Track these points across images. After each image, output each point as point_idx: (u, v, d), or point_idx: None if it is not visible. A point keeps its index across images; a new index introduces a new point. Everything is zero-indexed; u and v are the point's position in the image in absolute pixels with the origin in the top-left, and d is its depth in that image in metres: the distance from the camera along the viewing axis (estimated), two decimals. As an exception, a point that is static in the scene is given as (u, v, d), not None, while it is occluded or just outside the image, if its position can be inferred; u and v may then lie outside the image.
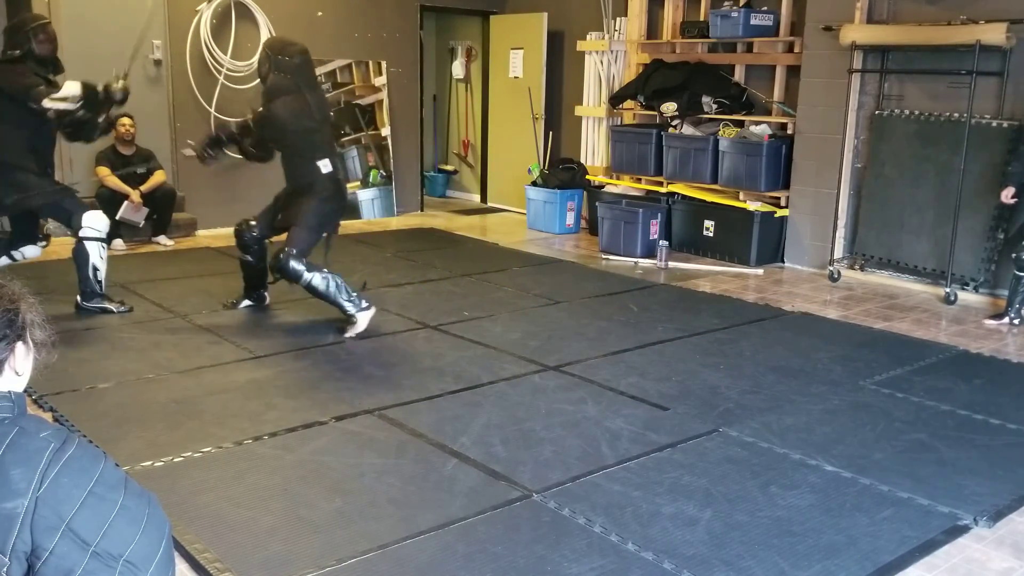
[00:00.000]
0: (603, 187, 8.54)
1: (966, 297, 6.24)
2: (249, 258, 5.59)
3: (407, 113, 9.59)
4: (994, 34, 5.92)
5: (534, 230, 8.88)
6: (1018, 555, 2.92)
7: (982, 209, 6.18)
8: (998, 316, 5.72)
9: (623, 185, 8.41)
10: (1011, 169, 5.80)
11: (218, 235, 8.16)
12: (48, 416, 3.81)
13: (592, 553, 2.82)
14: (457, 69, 10.84)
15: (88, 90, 5.23)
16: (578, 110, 9.05)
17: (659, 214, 7.76)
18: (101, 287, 5.48)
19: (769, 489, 3.30)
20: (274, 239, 5.50)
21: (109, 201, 7.30)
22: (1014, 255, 5.59)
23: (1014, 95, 6.10)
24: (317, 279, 5.09)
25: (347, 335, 5.09)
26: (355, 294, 5.17)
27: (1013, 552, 2.94)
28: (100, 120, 5.49)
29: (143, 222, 7.48)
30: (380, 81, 9.28)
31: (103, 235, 5.45)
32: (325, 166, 5.29)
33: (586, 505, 3.13)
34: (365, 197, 9.27)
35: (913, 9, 6.54)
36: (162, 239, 7.69)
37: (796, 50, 7.32)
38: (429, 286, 6.40)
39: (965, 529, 3.06)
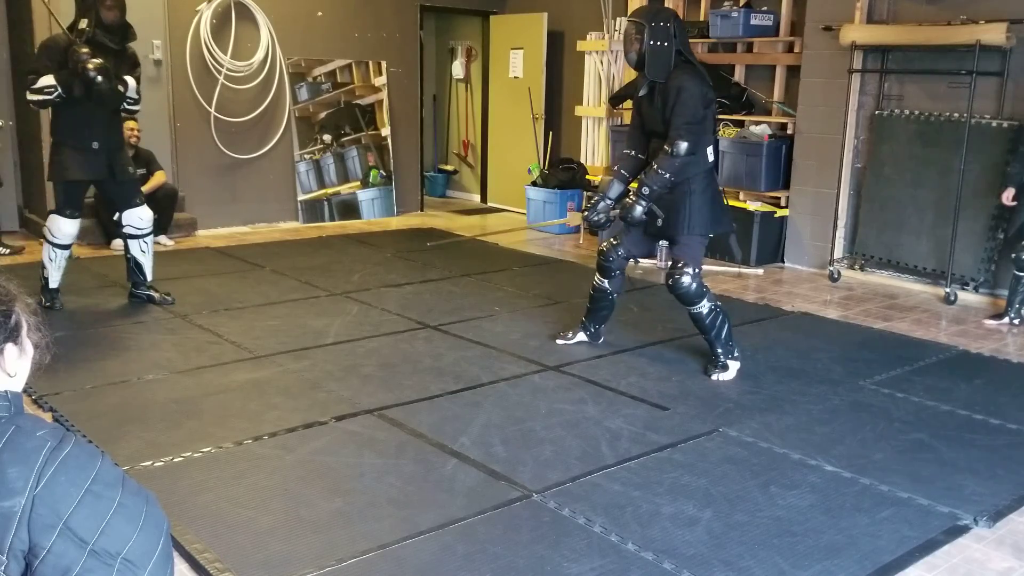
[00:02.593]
0: (603, 187, 8.53)
1: (966, 297, 6.23)
2: (606, 284, 4.84)
3: (407, 113, 9.59)
4: (994, 34, 5.92)
5: (531, 227, 8.88)
6: (1018, 555, 2.92)
7: (982, 209, 6.18)
8: (998, 316, 5.72)
9: (623, 185, 8.39)
10: (1011, 170, 5.80)
11: (218, 235, 8.17)
12: (48, 416, 3.81)
13: (592, 553, 2.82)
14: (457, 69, 10.84)
15: (65, 81, 5.06)
16: (578, 110, 9.05)
17: (659, 214, 7.74)
18: (49, 282, 5.48)
19: (769, 489, 3.30)
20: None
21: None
22: (1014, 255, 5.58)
23: (1014, 95, 6.10)
24: (706, 305, 4.47)
25: (714, 375, 4.53)
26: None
27: (1013, 552, 2.93)
28: (109, 87, 5.16)
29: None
30: (380, 81, 9.28)
31: (143, 231, 5.55)
32: (711, 155, 4.51)
33: (586, 505, 3.13)
34: (365, 197, 9.27)
35: (913, 9, 6.54)
36: (162, 239, 7.68)
37: (796, 50, 7.31)
38: (429, 286, 6.40)
39: (965, 529, 3.06)
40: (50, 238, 5.43)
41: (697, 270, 4.47)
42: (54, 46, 5.17)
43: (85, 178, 5.41)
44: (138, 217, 5.57)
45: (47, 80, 5.10)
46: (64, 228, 5.42)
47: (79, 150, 5.28)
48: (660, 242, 5.13)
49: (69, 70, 5.05)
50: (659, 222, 4.48)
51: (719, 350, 4.56)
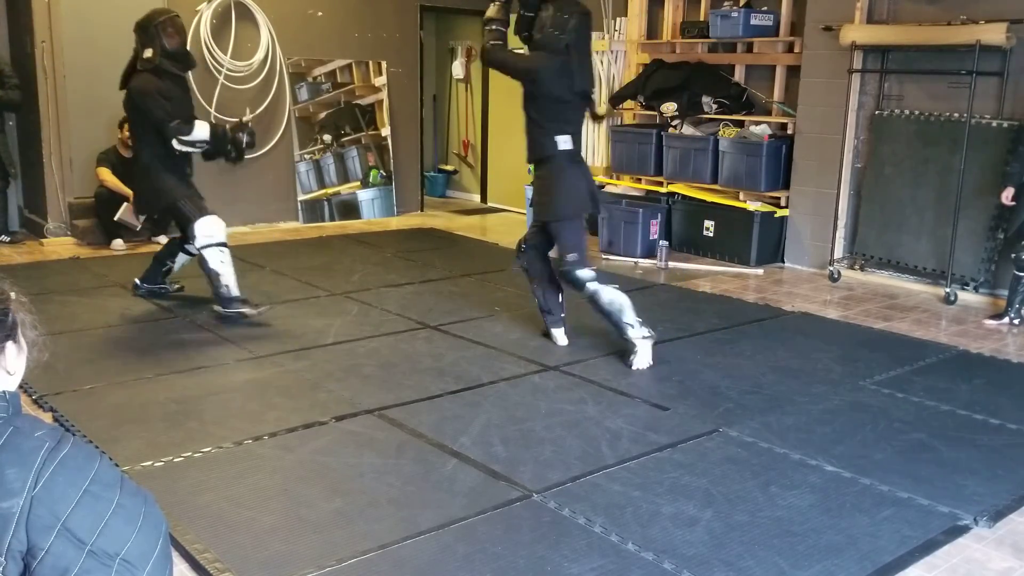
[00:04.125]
0: (603, 187, 8.52)
1: (966, 297, 6.23)
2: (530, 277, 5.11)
3: (407, 113, 9.59)
4: (994, 34, 5.92)
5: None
6: (1018, 555, 2.92)
7: (982, 209, 6.18)
8: (998, 316, 5.72)
9: (623, 185, 8.40)
10: (1010, 169, 5.80)
11: (218, 235, 8.15)
12: (48, 416, 3.81)
13: (592, 553, 2.82)
14: (457, 69, 10.84)
15: (216, 133, 5.35)
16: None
17: (659, 214, 7.76)
18: (230, 291, 5.28)
19: (769, 489, 3.29)
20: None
21: (108, 202, 7.30)
22: (1014, 255, 5.58)
23: (1014, 95, 6.09)
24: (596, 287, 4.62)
25: (631, 363, 4.62)
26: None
27: (1013, 552, 2.93)
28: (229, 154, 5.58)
29: (140, 225, 7.47)
30: (380, 81, 9.28)
31: (216, 241, 5.30)
32: (566, 143, 4.67)
33: (586, 505, 3.12)
34: (365, 197, 9.27)
35: (913, 9, 6.54)
36: (162, 239, 7.67)
37: (796, 50, 7.31)
38: (429, 286, 6.40)
39: (965, 529, 3.06)
40: (211, 241, 5.28)
41: (579, 256, 4.58)
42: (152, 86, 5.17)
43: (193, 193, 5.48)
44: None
45: (202, 132, 5.28)
46: (217, 224, 5.35)
47: (178, 176, 5.41)
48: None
49: (222, 134, 5.41)
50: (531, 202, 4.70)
51: (627, 334, 4.62)
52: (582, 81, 4.69)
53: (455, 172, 11.22)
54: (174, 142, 5.21)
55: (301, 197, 8.88)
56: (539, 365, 4.67)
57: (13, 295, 1.42)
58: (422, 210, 9.88)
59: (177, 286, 5.83)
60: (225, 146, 5.47)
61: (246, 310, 5.31)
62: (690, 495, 3.23)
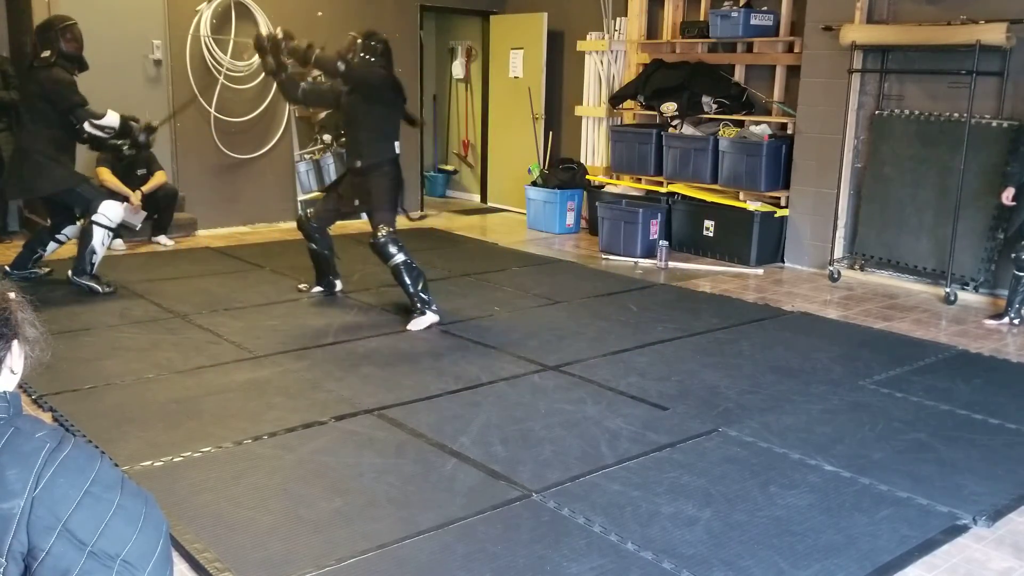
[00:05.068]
0: (603, 187, 8.54)
1: (966, 297, 6.23)
2: (314, 246, 5.88)
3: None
4: (994, 34, 5.92)
5: (534, 230, 8.88)
6: (1018, 555, 2.92)
7: (982, 209, 6.18)
8: (998, 316, 5.72)
9: (623, 185, 8.41)
10: (1010, 169, 5.80)
11: (218, 235, 8.16)
12: (48, 416, 3.81)
13: (592, 553, 2.82)
14: (457, 69, 10.84)
15: (124, 124, 5.85)
16: (578, 110, 9.05)
17: (659, 214, 7.76)
18: (92, 268, 5.84)
19: (768, 489, 3.30)
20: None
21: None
22: (1014, 255, 5.59)
23: (1014, 95, 6.10)
24: (401, 258, 5.37)
25: (413, 323, 5.33)
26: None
27: (1013, 552, 2.93)
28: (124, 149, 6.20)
29: (140, 224, 7.48)
30: (380, 81, 9.26)
31: (112, 226, 5.87)
32: (397, 148, 5.54)
33: (585, 505, 3.13)
34: (365, 197, 9.25)
35: (913, 9, 6.54)
36: (162, 239, 7.69)
37: (796, 50, 7.32)
38: (429, 286, 6.38)
39: (964, 529, 3.06)
40: (106, 223, 5.83)
41: (391, 230, 5.38)
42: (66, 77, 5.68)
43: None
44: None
45: (112, 120, 5.83)
46: (118, 211, 5.93)
47: (73, 162, 6.02)
48: (355, 216, 6.42)
49: (127, 127, 5.92)
50: (356, 201, 5.64)
51: (416, 301, 5.38)
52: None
53: (455, 172, 11.22)
54: (85, 125, 5.67)
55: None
56: (538, 365, 4.67)
57: (13, 295, 1.43)
58: (422, 210, 9.88)
59: (46, 270, 6.23)
60: (126, 137, 5.97)
61: (96, 286, 5.84)
62: (689, 495, 3.23)
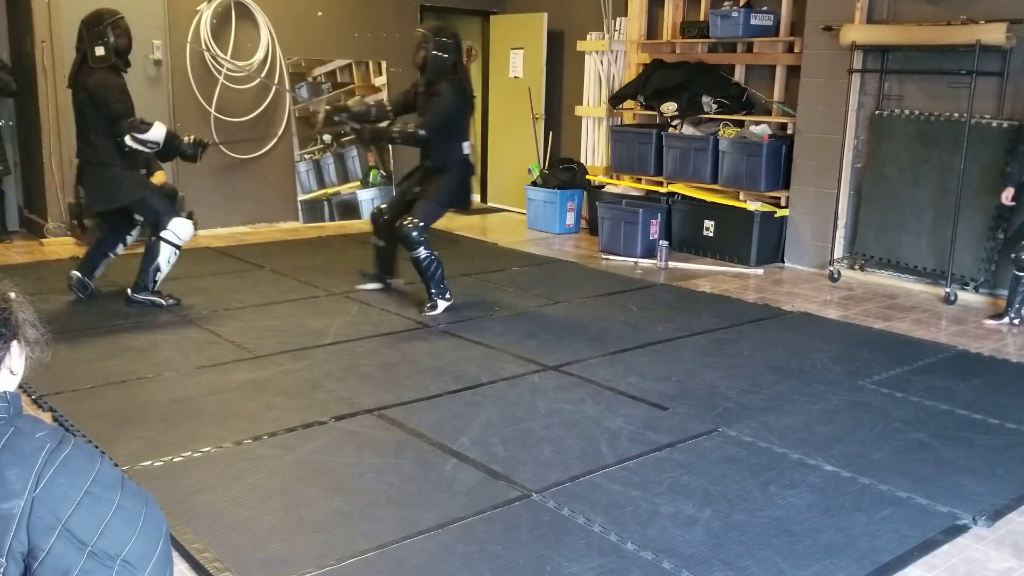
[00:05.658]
0: (603, 187, 8.53)
1: (966, 297, 6.23)
2: (382, 243, 5.99)
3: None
4: (994, 34, 5.92)
5: (534, 230, 8.88)
6: (1018, 555, 2.92)
7: (982, 209, 6.18)
8: (998, 316, 5.72)
9: (623, 185, 8.40)
10: (1010, 169, 5.80)
11: (218, 235, 8.16)
12: (48, 416, 3.81)
13: (591, 553, 2.82)
14: (457, 69, 10.82)
15: (170, 139, 5.50)
16: (578, 110, 9.05)
17: (659, 214, 7.76)
18: (155, 286, 5.59)
19: (768, 489, 3.30)
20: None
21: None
22: (1014, 255, 5.59)
23: (1014, 95, 6.10)
24: (423, 253, 5.51)
25: (426, 312, 5.56)
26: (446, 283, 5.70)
27: (1013, 552, 2.94)
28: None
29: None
30: (380, 81, 9.28)
31: (181, 244, 5.59)
32: (466, 148, 5.65)
33: (585, 505, 3.13)
34: (365, 197, 9.27)
35: (913, 9, 6.54)
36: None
37: (796, 50, 7.31)
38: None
39: (964, 529, 3.06)
40: (175, 241, 5.56)
41: (423, 224, 5.52)
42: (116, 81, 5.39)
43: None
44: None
45: (158, 134, 5.42)
46: (189, 230, 5.64)
47: (140, 171, 5.70)
48: None
49: (174, 141, 5.57)
50: (416, 190, 5.70)
51: (432, 291, 5.60)
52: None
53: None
54: (127, 138, 5.34)
55: (301, 197, 8.88)
56: (538, 365, 4.67)
57: (14, 295, 1.42)
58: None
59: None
60: (173, 153, 5.67)
61: (159, 300, 5.61)
62: (689, 495, 3.23)
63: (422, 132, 5.47)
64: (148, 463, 3.39)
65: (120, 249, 5.86)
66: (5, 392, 1.38)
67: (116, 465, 3.14)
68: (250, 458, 3.48)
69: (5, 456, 1.31)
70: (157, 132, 5.40)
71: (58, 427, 1.48)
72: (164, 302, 5.59)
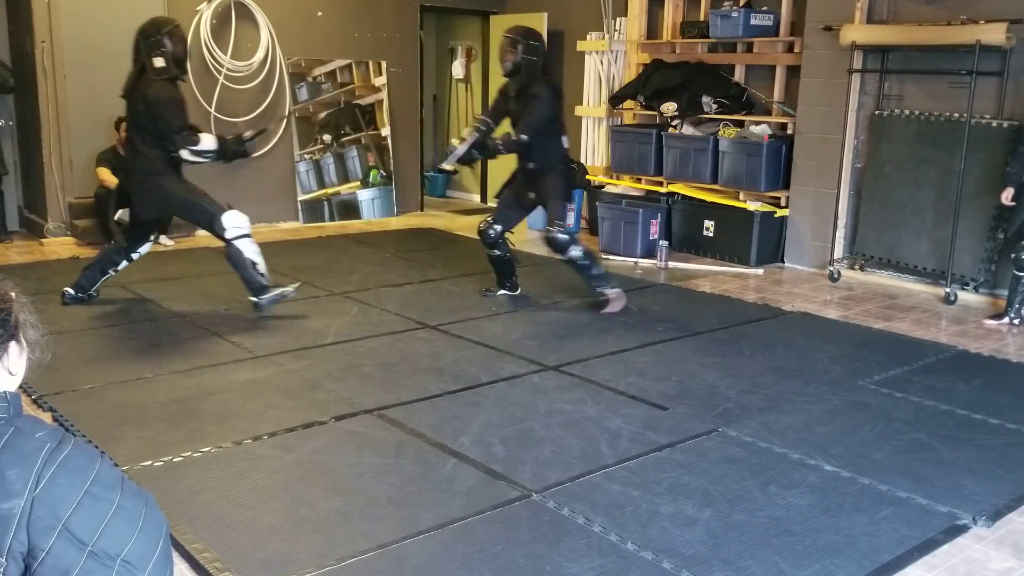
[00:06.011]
0: (603, 187, 8.53)
1: (966, 297, 6.23)
2: (496, 252, 5.98)
3: (407, 113, 9.59)
4: (994, 34, 5.92)
5: (534, 230, 8.86)
6: (1018, 555, 2.92)
7: (982, 209, 6.18)
8: (998, 316, 5.72)
9: (623, 185, 8.40)
10: (1010, 170, 5.80)
11: (218, 235, 8.15)
12: (48, 416, 3.81)
13: (591, 553, 2.82)
14: (457, 69, 10.84)
15: (222, 145, 5.42)
16: (578, 110, 9.05)
17: (659, 214, 7.76)
18: (265, 279, 5.43)
19: (768, 489, 3.30)
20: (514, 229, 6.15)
21: (108, 202, 7.28)
22: (1014, 255, 5.58)
23: (1014, 95, 6.10)
24: (576, 252, 5.61)
25: (605, 311, 5.66)
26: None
27: (1013, 552, 2.94)
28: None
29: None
30: (380, 81, 9.28)
31: (248, 231, 5.41)
32: (564, 142, 5.75)
33: (585, 505, 3.13)
34: (365, 197, 9.27)
35: (913, 9, 6.54)
36: (162, 239, 7.66)
37: (796, 50, 7.31)
38: (429, 286, 6.40)
39: (964, 529, 3.06)
40: (242, 232, 5.40)
41: (566, 225, 5.64)
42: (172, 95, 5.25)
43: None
44: None
45: (209, 144, 5.36)
46: (243, 216, 5.45)
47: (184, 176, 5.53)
48: (533, 210, 6.33)
49: (225, 146, 5.47)
50: (531, 195, 5.81)
51: (597, 287, 5.70)
52: None
53: (455, 172, 11.18)
54: (184, 153, 5.26)
55: (301, 197, 8.89)
56: (538, 365, 4.67)
57: (14, 295, 1.42)
58: (422, 210, 9.89)
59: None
60: (231, 157, 5.59)
61: (283, 290, 5.47)
62: (689, 495, 3.23)
63: (524, 138, 5.52)
64: (148, 463, 3.39)
65: (123, 266, 5.69)
66: (5, 392, 1.38)
67: (116, 465, 3.14)
68: (250, 458, 3.48)
69: (5, 456, 1.31)
70: (208, 142, 5.37)
71: (58, 427, 1.48)
72: (290, 289, 5.51)
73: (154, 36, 5.18)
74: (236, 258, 5.38)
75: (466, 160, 5.90)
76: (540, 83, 5.57)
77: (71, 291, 5.60)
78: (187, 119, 5.32)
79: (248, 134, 5.71)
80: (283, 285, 5.55)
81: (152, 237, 5.76)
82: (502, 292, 6.11)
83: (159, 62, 5.17)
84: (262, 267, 5.42)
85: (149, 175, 5.32)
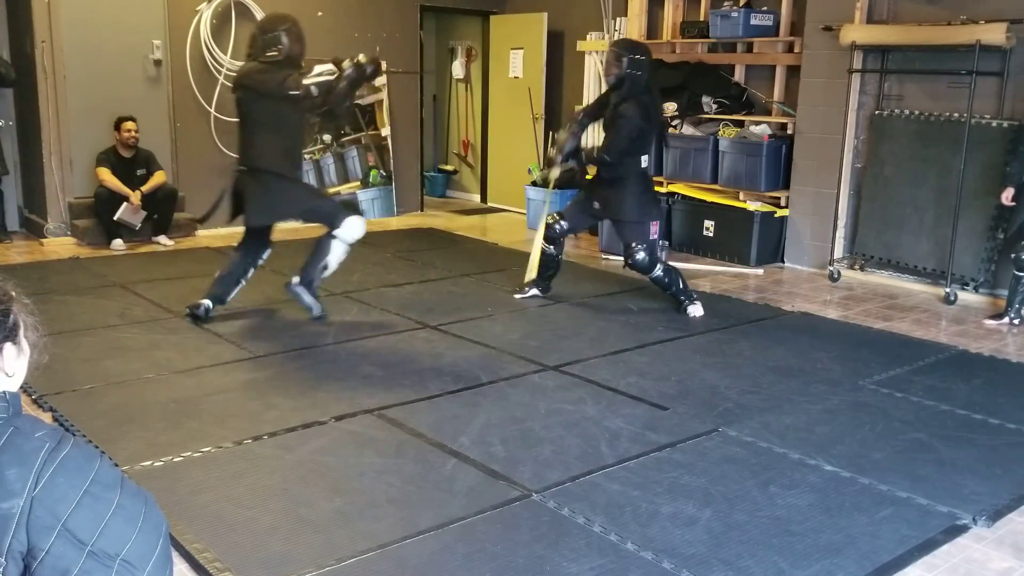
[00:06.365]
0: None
1: (966, 297, 6.23)
2: (552, 249, 5.95)
3: (407, 113, 9.59)
4: (994, 34, 5.92)
5: (534, 230, 8.86)
6: (1018, 555, 2.92)
7: (982, 209, 6.18)
8: (998, 316, 5.72)
9: (623, 185, 8.39)
10: (1010, 170, 5.80)
11: (218, 235, 8.15)
12: (48, 416, 3.81)
13: (591, 552, 2.82)
14: (457, 69, 10.84)
15: (338, 64, 5.03)
16: (578, 110, 9.02)
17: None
18: (319, 283, 5.38)
19: (768, 489, 3.30)
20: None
21: (108, 202, 7.31)
22: (1014, 255, 5.58)
23: (1014, 95, 6.10)
24: (658, 273, 5.67)
25: (690, 316, 5.68)
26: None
27: (1013, 552, 2.94)
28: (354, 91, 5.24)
29: (140, 224, 7.48)
30: (380, 81, 9.28)
31: (351, 242, 5.30)
32: (644, 161, 5.66)
33: (585, 505, 3.13)
34: (365, 197, 9.26)
35: (913, 9, 6.54)
36: (162, 239, 7.69)
37: (796, 50, 7.31)
38: (429, 286, 6.40)
39: (964, 529, 3.06)
40: (350, 240, 5.31)
41: (645, 245, 5.59)
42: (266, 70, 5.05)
43: None
44: None
45: (324, 66, 4.99)
46: (363, 228, 5.39)
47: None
48: (599, 221, 6.53)
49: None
50: (595, 205, 5.81)
51: (683, 298, 5.73)
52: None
53: (455, 172, 11.22)
54: (305, 80, 4.90)
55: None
56: (538, 365, 4.67)
57: (16, 297, 1.42)
58: (422, 210, 9.88)
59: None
60: (359, 81, 5.13)
61: (316, 304, 5.36)
62: (689, 495, 3.23)
63: (607, 158, 5.53)
64: (148, 463, 3.39)
65: (252, 273, 5.49)
66: (5, 392, 1.37)
67: (116, 465, 3.14)
68: (250, 458, 3.48)
69: (4, 455, 1.31)
70: (320, 67, 5.00)
71: (58, 427, 1.48)
72: (319, 309, 5.34)
73: (272, 32, 5.08)
74: (322, 248, 5.29)
75: (570, 156, 5.77)
76: (633, 101, 5.44)
77: (209, 303, 5.36)
78: (286, 74, 4.97)
79: (359, 59, 5.09)
80: (319, 307, 5.36)
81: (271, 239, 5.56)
82: (534, 293, 6.06)
83: (271, 52, 5.04)
84: (328, 274, 5.37)
85: (268, 175, 5.13)
